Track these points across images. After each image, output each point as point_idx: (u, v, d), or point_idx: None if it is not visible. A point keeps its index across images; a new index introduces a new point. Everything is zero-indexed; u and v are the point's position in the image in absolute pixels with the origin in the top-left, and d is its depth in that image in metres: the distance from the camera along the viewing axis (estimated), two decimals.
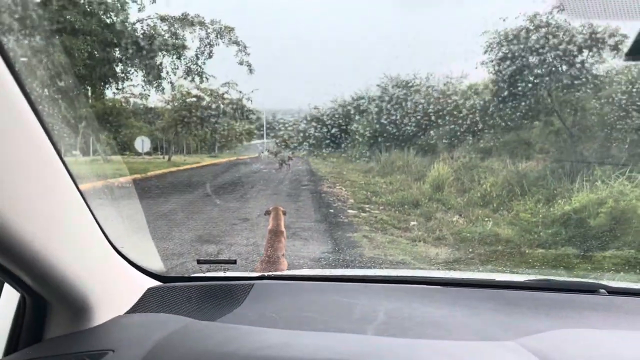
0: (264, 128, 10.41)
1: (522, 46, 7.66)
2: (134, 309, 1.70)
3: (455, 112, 8.28)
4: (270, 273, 2.04)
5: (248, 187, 9.23)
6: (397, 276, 2.10)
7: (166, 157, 10.56)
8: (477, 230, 6.84)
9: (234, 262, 2.06)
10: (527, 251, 6.10)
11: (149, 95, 9.24)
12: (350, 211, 8.03)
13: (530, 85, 7.80)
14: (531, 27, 7.68)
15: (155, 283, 1.87)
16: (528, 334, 1.44)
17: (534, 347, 1.33)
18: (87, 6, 7.83)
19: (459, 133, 8.67)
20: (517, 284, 1.94)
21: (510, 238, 6.47)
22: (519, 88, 7.86)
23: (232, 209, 7.70)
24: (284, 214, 4.91)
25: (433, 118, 8.39)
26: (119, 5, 8.04)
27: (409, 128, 8.84)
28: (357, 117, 9.43)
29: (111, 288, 1.60)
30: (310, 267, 5.00)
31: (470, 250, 6.24)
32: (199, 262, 2.09)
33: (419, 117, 8.41)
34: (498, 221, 7.13)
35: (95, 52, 7.83)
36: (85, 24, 7.62)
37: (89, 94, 7.38)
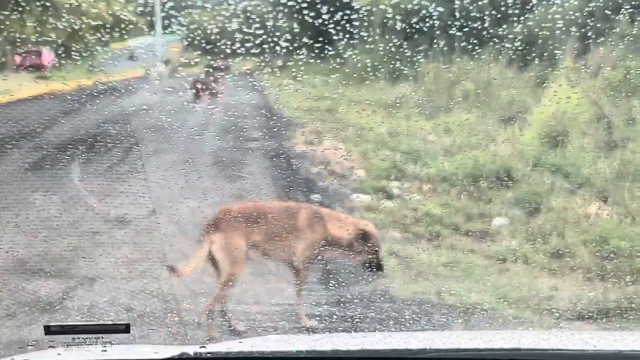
0: (157, 11, 8.40)
1: None
2: None
3: None
4: (200, 349, 1.90)
5: (125, 145, 7.78)
6: (472, 350, 2.02)
7: None
8: None
9: (126, 329, 1.97)
10: None
11: None
12: (357, 197, 7.14)
13: None
14: None
15: None
16: None
17: None
18: None
19: (599, 16, 7.50)
20: None
21: None
22: None
23: (94, 196, 6.40)
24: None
25: None
26: None
27: (484, 3, 7.45)
28: None
29: None
30: (277, 330, 4.52)
31: (632, 279, 5.42)
32: (48, 331, 1.93)
33: None
34: None
35: None
36: None
37: None
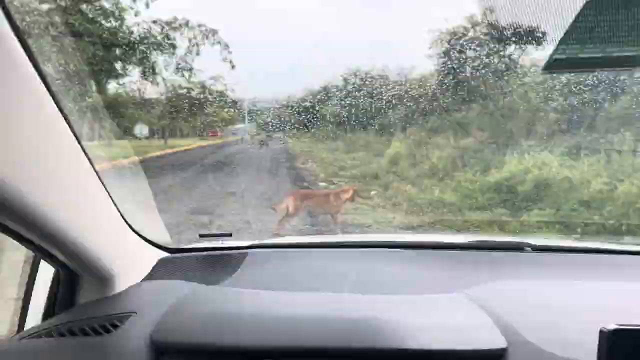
0: (246, 114, 10.78)
1: (460, 42, 9.05)
2: (149, 277, 1.86)
3: (407, 98, 9.45)
4: (260, 242, 2.18)
5: (233, 164, 9.87)
6: (364, 242, 2.29)
7: (162, 140, 11.37)
8: (426, 197, 7.39)
9: (230, 235, 2.20)
10: (467, 214, 6.68)
11: (146, 89, 10.23)
12: (321, 183, 8.58)
13: (467, 74, 9.10)
14: (468, 26, 9.08)
15: (164, 254, 2.05)
16: (469, 287, 1.64)
17: (474, 297, 1.55)
18: (90, 13, 9.12)
19: (411, 116, 9.70)
20: (460, 245, 2.16)
21: (453, 203, 7.10)
22: (459, 77, 9.11)
23: (221, 184, 8.29)
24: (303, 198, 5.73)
25: (389, 103, 9.51)
26: (117, 12, 9.36)
27: (368, 112, 9.83)
28: (324, 104, 10.33)
29: (129, 260, 1.76)
30: (293, 234, 5.37)
31: (421, 213, 6.76)
32: (200, 236, 2.24)
33: (377, 103, 9.56)
34: (443, 189, 7.68)
35: (98, 52, 8.94)
36: (88, 29, 8.77)
37: (93, 89, 7.63)
